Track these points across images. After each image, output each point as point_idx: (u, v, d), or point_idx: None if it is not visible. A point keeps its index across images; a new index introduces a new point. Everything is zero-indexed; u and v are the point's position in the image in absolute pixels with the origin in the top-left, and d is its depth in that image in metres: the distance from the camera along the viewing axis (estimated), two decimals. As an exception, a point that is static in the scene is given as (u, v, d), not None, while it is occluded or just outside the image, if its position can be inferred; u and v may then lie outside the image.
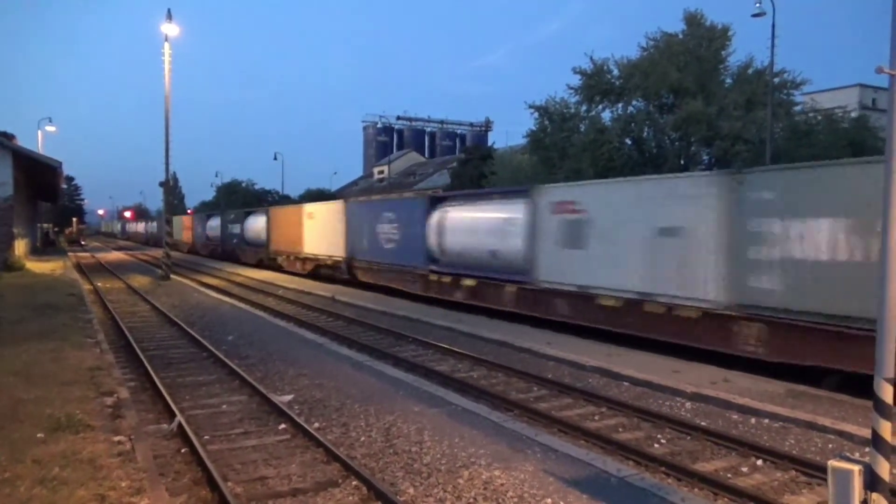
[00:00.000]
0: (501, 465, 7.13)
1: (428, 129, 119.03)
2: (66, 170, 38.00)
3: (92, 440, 7.34)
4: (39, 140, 55.54)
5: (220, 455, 7.71)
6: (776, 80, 29.69)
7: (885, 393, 4.86)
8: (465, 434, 8.23)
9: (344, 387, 10.73)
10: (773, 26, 26.24)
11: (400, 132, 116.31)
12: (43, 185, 41.65)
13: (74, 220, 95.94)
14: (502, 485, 6.62)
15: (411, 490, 6.60)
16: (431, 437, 8.14)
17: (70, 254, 54.08)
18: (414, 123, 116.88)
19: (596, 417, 9.87)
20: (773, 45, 26.64)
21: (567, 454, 7.51)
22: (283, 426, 8.80)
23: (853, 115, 35.60)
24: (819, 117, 32.25)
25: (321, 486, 6.80)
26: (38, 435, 7.42)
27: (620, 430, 9.28)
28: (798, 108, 32.97)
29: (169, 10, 30.40)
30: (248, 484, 6.88)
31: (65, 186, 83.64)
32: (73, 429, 7.65)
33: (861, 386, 9.25)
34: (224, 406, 9.88)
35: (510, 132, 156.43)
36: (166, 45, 30.84)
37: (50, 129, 56.05)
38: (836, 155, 25.38)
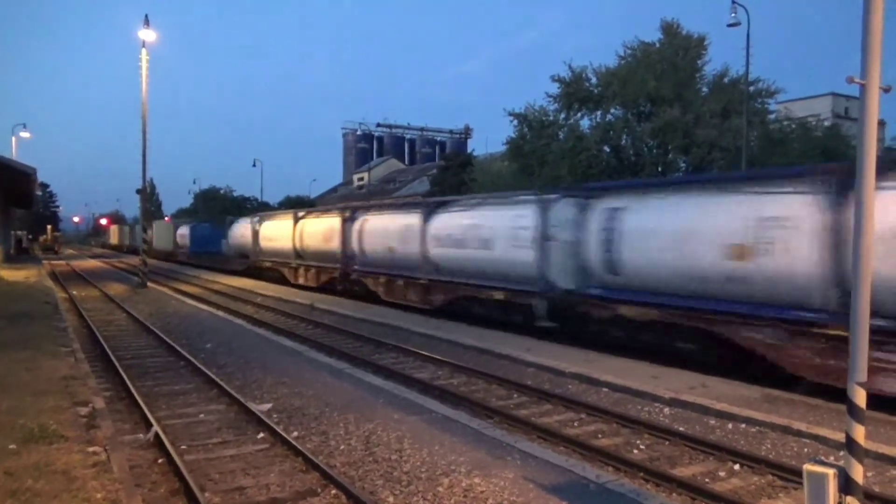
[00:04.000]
0: (481, 473, 7.12)
1: (408, 136, 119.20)
2: (41, 176, 37.02)
3: (66, 451, 7.22)
4: (13, 146, 54.78)
5: (197, 465, 7.62)
6: (751, 88, 30.14)
7: (859, 397, 4.92)
8: (445, 441, 8.22)
9: (323, 395, 10.67)
10: (749, 36, 26.65)
11: (380, 139, 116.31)
12: (17, 191, 40.98)
13: (49, 227, 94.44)
14: (482, 492, 6.61)
15: (391, 499, 6.57)
16: (411, 444, 8.12)
17: (45, 262, 53.26)
18: (394, 130, 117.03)
19: (575, 423, 9.91)
20: (748, 55, 27.06)
21: (547, 461, 7.53)
22: (261, 435, 8.72)
23: (826, 123, 36.25)
24: (793, 126, 32.80)
25: (300, 495, 6.75)
26: (11, 446, 7.28)
27: (600, 436, 9.32)
28: (772, 116, 33.52)
29: (146, 16, 30.20)
30: (225, 494, 6.80)
31: (39, 193, 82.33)
32: (46, 439, 7.52)
33: (835, 390, 9.39)
34: (202, 415, 9.77)
35: (490, 139, 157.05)
36: (143, 50, 30.60)
37: (24, 135, 55.33)
38: (810, 162, 25.77)
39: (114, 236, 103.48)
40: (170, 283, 35.77)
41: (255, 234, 36.52)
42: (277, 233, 33.94)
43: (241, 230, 40.06)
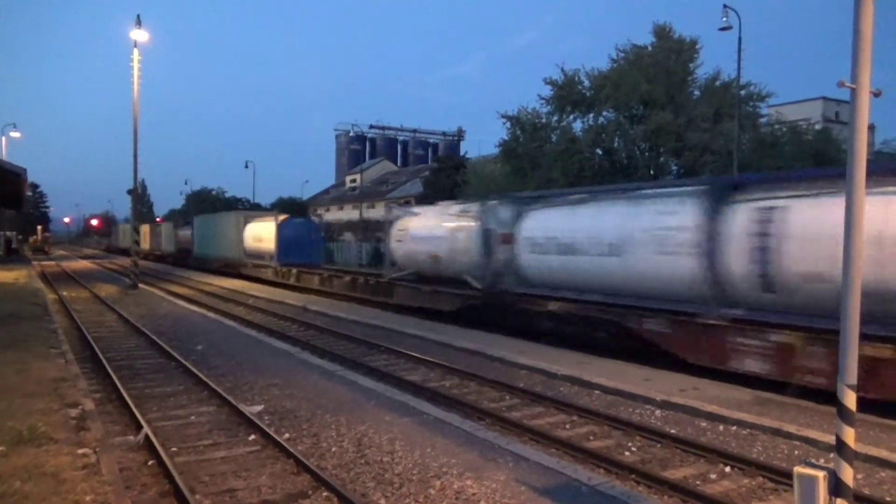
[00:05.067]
0: (473, 475, 7.12)
1: (401, 138, 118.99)
2: (31, 176, 36.70)
3: (56, 453, 7.17)
4: (3, 146, 54.47)
5: (187, 467, 7.58)
6: (743, 92, 30.30)
7: (849, 399, 4.94)
8: (437, 443, 8.21)
9: (315, 397, 10.64)
10: (740, 40, 26.80)
11: (372, 141, 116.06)
12: (6, 192, 40.46)
13: (39, 227, 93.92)
14: (474, 494, 6.61)
15: (383, 501, 6.56)
16: (403, 446, 8.11)
17: (35, 263, 52.95)
18: (386, 132, 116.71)
19: (567, 426, 9.91)
20: (739, 59, 27.20)
21: (539, 463, 7.53)
22: (252, 437, 8.69)
23: (817, 127, 36.49)
24: (784, 129, 32.99)
25: (291, 497, 6.72)
26: (0, 448, 7.23)
27: (591, 438, 9.33)
28: (764, 120, 33.71)
29: (138, 17, 30.06)
30: (216, 496, 6.77)
31: (29, 194, 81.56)
32: (35, 442, 7.47)
33: (826, 393, 9.43)
34: (192, 417, 9.72)
35: (483, 142, 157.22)
36: (135, 51, 30.48)
37: (14, 134, 55.00)
38: (801, 166, 25.94)
39: (123, 237, 77.01)
40: (161, 284, 35.61)
41: (501, 238, 17.81)
42: (647, 236, 13.67)
43: (437, 229, 20.66)
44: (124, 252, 69.09)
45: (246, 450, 8.23)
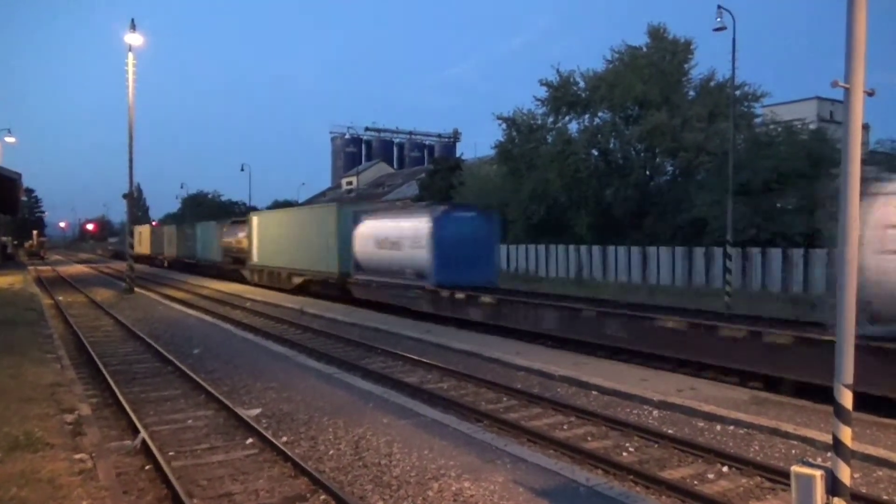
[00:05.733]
0: (471, 477, 7.11)
1: (396, 140, 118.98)
2: (26, 181, 36.34)
3: (52, 458, 7.15)
4: (-2, 151, 54.26)
5: (185, 471, 7.56)
6: (737, 92, 30.38)
7: (845, 398, 4.95)
8: (434, 445, 8.20)
9: (312, 400, 10.63)
10: (734, 40, 26.78)
11: (368, 143, 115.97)
12: (1, 197, 40.52)
13: (35, 232, 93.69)
14: (472, 496, 6.60)
15: (381, 503, 6.55)
16: (401, 449, 8.10)
17: (30, 267, 52.83)
18: (382, 134, 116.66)
19: (565, 427, 9.91)
20: (734, 59, 27.18)
21: (537, 464, 7.53)
22: (250, 440, 8.67)
23: (811, 127, 36.56)
24: (779, 129, 33.08)
25: (289, 500, 6.71)
26: (-5, 454, 7.20)
27: (589, 438, 9.33)
28: (759, 120, 33.81)
29: (132, 21, 30.01)
30: (214, 500, 6.76)
31: (24, 199, 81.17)
32: (31, 447, 7.45)
33: (822, 392, 9.45)
34: (190, 421, 9.70)
35: (479, 143, 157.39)
36: (130, 55, 30.43)
37: (9, 140, 54.83)
38: (795, 166, 26.01)
39: (139, 241, 62.27)
40: (157, 288, 35.55)
41: None
42: None
43: None
44: (142, 259, 59.71)
45: (243, 453, 8.21)
